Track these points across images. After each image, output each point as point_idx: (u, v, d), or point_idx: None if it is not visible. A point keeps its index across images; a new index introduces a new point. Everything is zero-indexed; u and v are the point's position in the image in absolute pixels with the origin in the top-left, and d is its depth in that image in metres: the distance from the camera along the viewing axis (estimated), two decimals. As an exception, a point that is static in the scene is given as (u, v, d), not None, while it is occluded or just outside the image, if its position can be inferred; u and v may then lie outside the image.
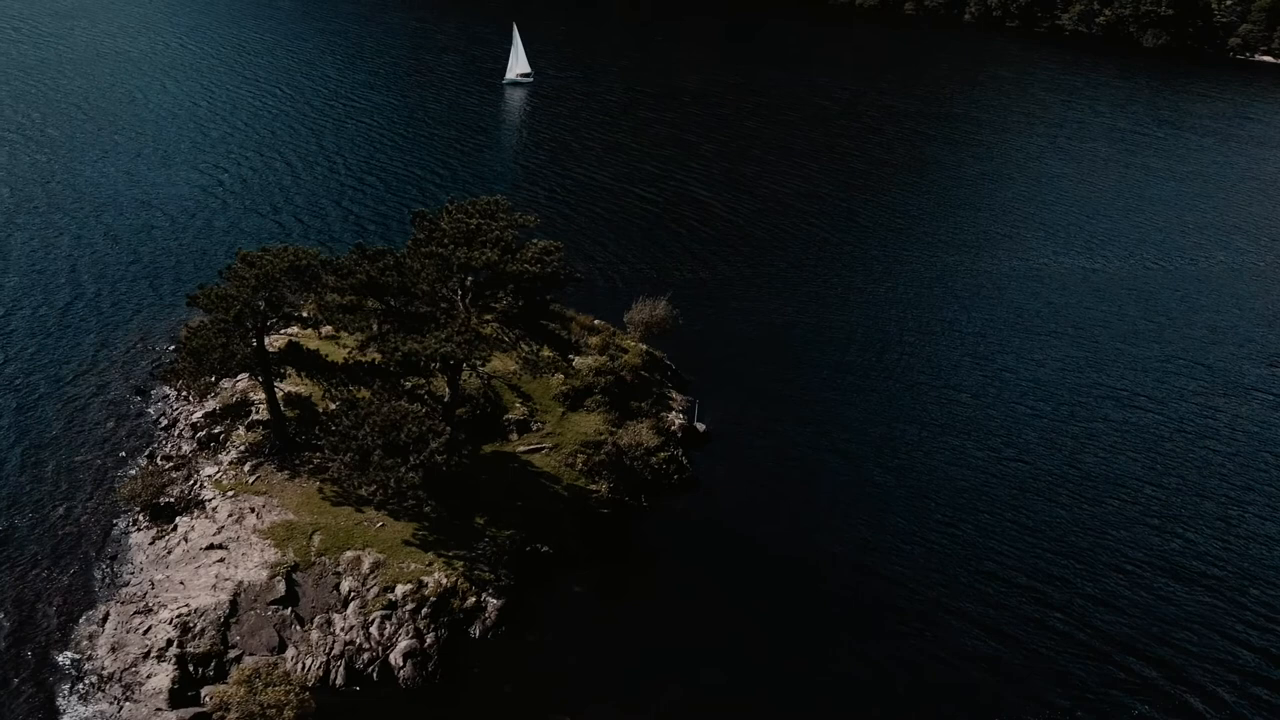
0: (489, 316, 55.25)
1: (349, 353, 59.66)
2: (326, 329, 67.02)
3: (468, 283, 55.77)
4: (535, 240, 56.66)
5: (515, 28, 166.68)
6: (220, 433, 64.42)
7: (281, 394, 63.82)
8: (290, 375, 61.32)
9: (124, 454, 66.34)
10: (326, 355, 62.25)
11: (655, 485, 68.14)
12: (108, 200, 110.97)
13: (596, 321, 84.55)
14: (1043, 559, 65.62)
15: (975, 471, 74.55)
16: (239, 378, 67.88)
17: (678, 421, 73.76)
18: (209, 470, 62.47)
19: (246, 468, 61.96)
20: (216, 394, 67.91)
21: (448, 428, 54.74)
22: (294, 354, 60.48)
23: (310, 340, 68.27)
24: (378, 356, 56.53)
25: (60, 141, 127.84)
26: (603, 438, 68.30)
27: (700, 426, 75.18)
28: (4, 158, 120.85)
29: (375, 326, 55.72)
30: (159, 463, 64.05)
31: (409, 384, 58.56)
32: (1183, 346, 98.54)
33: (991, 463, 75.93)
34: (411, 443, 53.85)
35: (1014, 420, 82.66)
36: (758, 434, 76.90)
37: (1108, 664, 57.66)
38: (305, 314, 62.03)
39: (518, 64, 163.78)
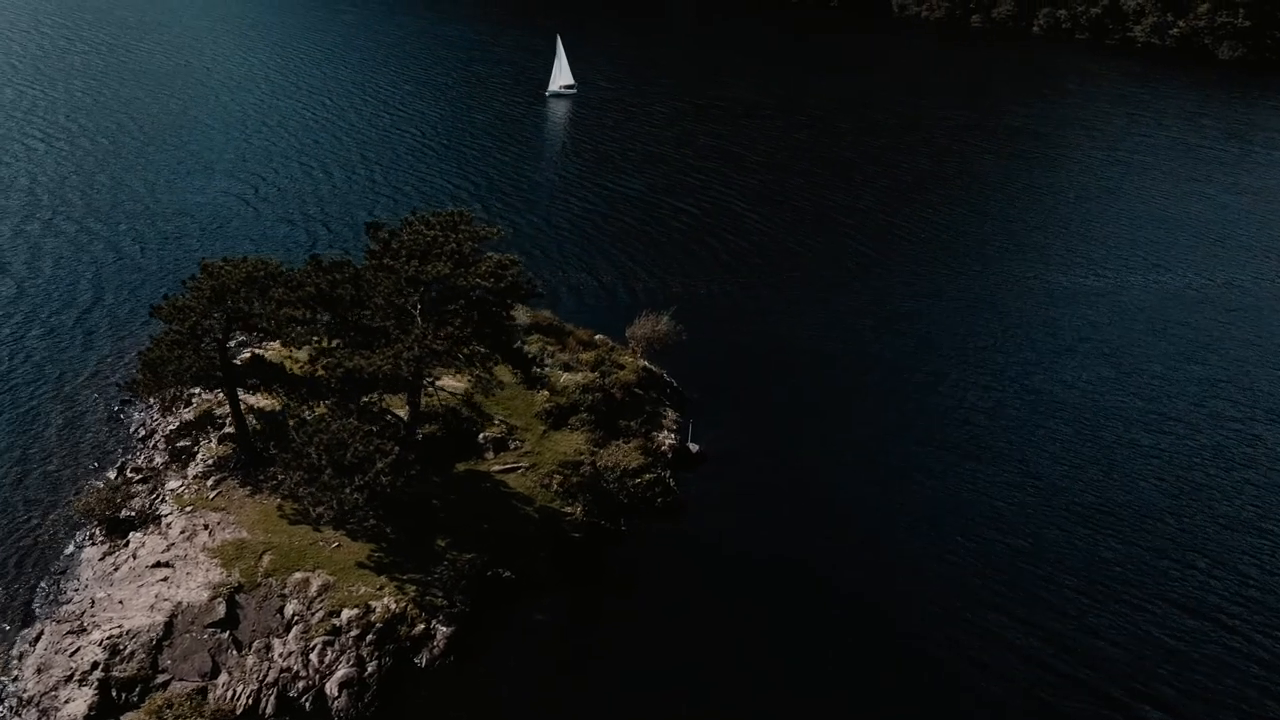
0: (444, 333, 52.07)
1: (301, 367, 57.10)
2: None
3: (421, 298, 52.75)
4: (490, 254, 53.45)
5: (559, 40, 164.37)
6: (190, 446, 62.26)
7: (252, 408, 61.48)
8: (259, 389, 58.89)
9: (97, 465, 64.57)
10: (291, 369, 59.81)
11: (637, 508, 64.53)
12: (142, 208, 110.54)
13: (598, 336, 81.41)
14: (1056, 594, 60.67)
15: (988, 498, 69.63)
16: (217, 390, 65.67)
17: (668, 442, 70.10)
18: (173, 484, 60.36)
19: (209, 482, 59.73)
20: (190, 405, 65.84)
21: (396, 448, 51.74)
22: (258, 367, 58.10)
23: (281, 354, 65.91)
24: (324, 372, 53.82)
25: (107, 150, 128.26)
26: (582, 458, 64.84)
27: (694, 447, 71.44)
28: (50, 165, 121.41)
29: (325, 341, 52.97)
30: (128, 475, 62.14)
31: (364, 400, 55.68)
32: (1227, 371, 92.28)
33: (1005, 489, 70.96)
34: (357, 463, 50.94)
35: (1032, 443, 77.56)
36: (756, 456, 72.82)
37: (1111, 709, 52.77)
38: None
39: (561, 75, 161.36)
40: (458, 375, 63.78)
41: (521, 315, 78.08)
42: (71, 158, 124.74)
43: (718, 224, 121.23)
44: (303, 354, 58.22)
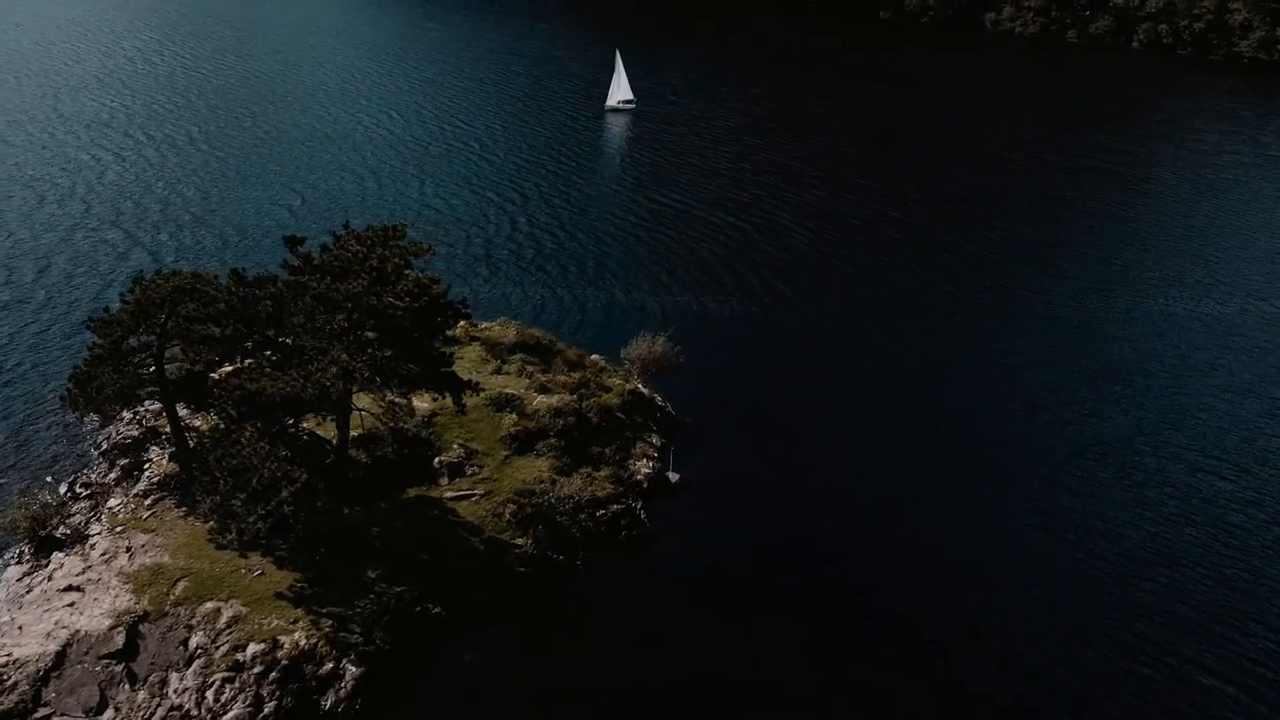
0: (363, 356, 48.05)
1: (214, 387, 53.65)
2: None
3: (347, 318, 48.77)
4: (409, 272, 49.15)
5: (618, 55, 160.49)
6: (138, 462, 59.41)
7: (205, 425, 58.32)
8: (196, 407, 55.68)
9: (51, 479, 62.16)
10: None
11: (598, 541, 59.62)
12: (190, 217, 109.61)
13: (594, 356, 76.80)
14: (1066, 662, 54.12)
15: (990, 548, 62.88)
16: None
17: (644, 470, 65.05)
18: (114, 502, 57.57)
19: (147, 502, 56.74)
20: (137, 421, 63.05)
21: (304, 475, 47.80)
22: (192, 384, 54.84)
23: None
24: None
25: (153, 160, 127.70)
26: (542, 486, 60.16)
27: (673, 476, 66.28)
28: (93, 175, 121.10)
29: (240, 360, 49.39)
30: (76, 490, 59.53)
31: (289, 423, 51.90)
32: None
33: (1015, 533, 64.21)
34: (262, 489, 47.15)
35: (1053, 480, 70.51)
36: (743, 489, 67.20)
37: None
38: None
39: (619, 90, 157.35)
40: (419, 395, 60.16)
41: (509, 333, 74.06)
42: (134, 166, 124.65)
43: (761, 240, 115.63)
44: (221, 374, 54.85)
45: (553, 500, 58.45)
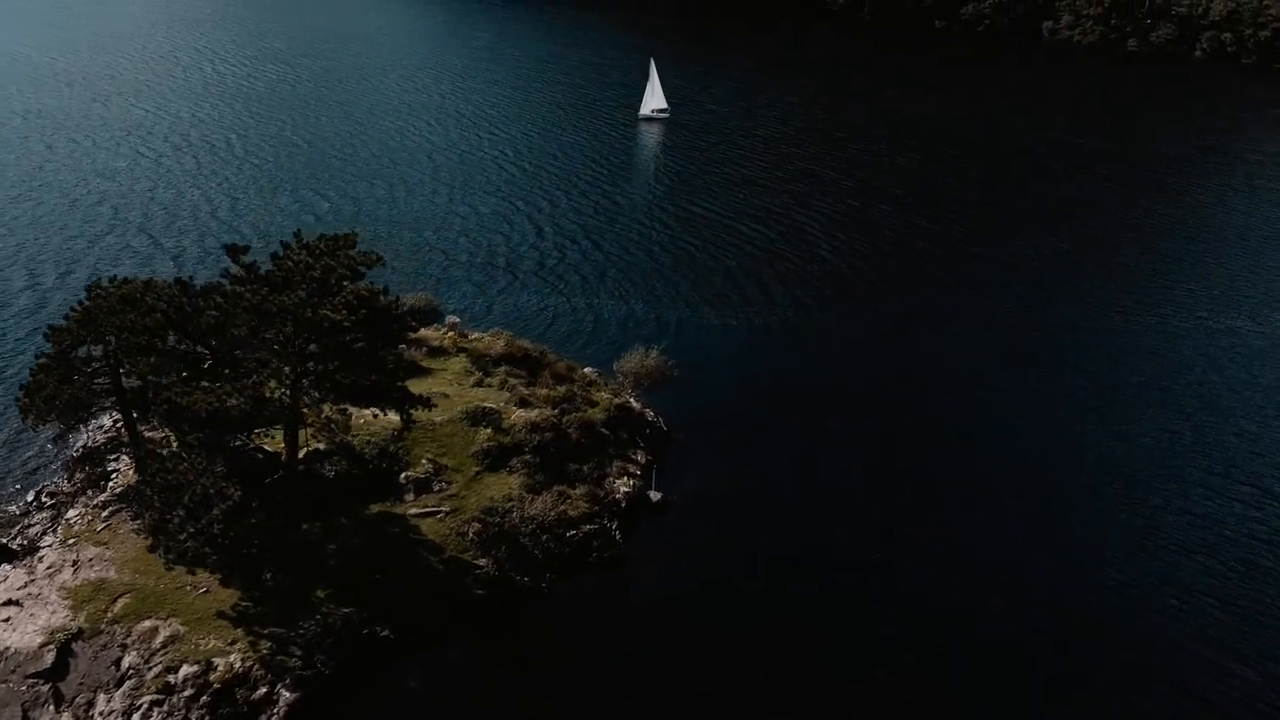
0: (300, 370, 45.62)
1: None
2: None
3: (295, 330, 46.37)
4: (349, 284, 46.54)
5: (653, 63, 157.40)
6: (103, 472, 57.65)
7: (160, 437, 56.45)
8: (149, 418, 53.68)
9: (19, 487, 60.66)
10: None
11: (567, 562, 56.63)
12: (198, 223, 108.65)
13: (587, 369, 73.96)
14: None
15: (995, 589, 58.50)
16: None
17: (623, 489, 61.91)
18: (72, 512, 55.81)
19: (105, 513, 54.85)
20: (103, 431, 61.40)
21: (237, 492, 45.42)
22: (145, 395, 52.82)
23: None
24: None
25: (187, 167, 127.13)
26: (510, 505, 57.34)
27: (654, 495, 63.05)
28: (126, 181, 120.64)
29: (173, 372, 47.15)
30: (43, 499, 57.98)
31: (237, 438, 49.65)
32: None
33: (1027, 574, 59.73)
34: (194, 506, 44.90)
35: (1060, 506, 66.10)
36: (729, 509, 63.84)
37: None
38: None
39: (653, 99, 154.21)
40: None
41: (499, 344, 71.47)
42: (168, 172, 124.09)
43: (786, 250, 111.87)
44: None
45: (515, 520, 55.54)
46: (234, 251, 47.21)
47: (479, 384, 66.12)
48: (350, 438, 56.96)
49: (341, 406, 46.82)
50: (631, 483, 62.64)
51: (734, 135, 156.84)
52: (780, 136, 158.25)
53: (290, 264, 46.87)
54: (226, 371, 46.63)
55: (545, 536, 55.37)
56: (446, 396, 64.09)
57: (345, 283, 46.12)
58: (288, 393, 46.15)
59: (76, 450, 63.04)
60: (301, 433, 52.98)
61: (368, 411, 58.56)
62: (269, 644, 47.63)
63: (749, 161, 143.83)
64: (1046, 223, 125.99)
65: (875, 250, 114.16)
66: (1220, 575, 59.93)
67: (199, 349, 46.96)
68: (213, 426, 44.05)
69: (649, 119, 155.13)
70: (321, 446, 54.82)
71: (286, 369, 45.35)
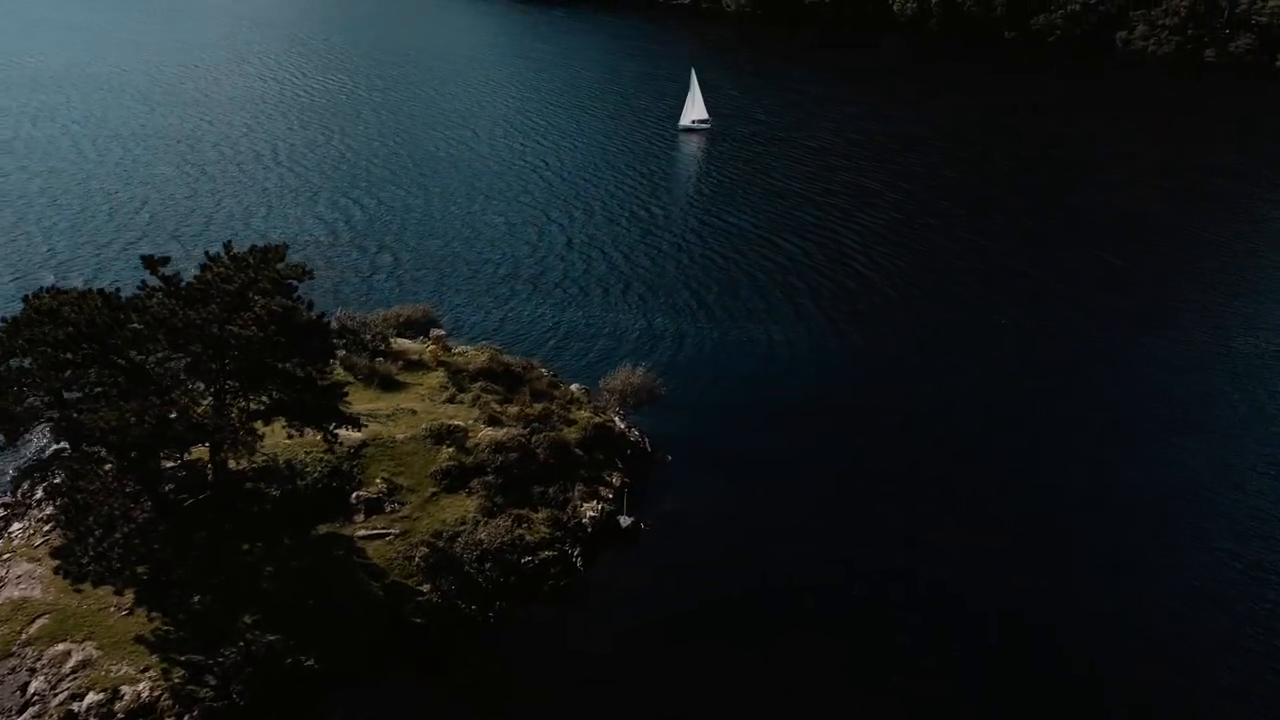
0: (211, 389, 42.74)
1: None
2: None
3: (191, 348, 43.52)
4: (257, 298, 43.40)
5: (693, 73, 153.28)
6: (32, 487, 55.46)
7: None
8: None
9: (-18, 497, 58.93)
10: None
11: (520, 590, 53.04)
12: (230, 230, 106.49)
13: (575, 386, 70.29)
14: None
15: (996, 637, 53.60)
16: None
17: (590, 513, 58.06)
18: (17, 526, 53.72)
19: (46, 528, 52.59)
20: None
21: (142, 514, 42.60)
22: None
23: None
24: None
25: (231, 175, 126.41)
26: (463, 529, 53.90)
27: (625, 520, 59.09)
28: (165, 189, 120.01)
29: (87, 388, 44.54)
30: (-2, 511, 56.05)
31: (159, 456, 46.85)
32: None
33: (1034, 621, 54.64)
34: (98, 527, 42.22)
35: (1066, 545, 60.61)
36: (707, 537, 59.59)
37: None
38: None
39: (694, 109, 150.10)
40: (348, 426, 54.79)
41: (481, 358, 68.18)
42: (207, 180, 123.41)
43: (818, 264, 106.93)
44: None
45: (465, 544, 52.08)
46: (152, 264, 44.49)
47: (451, 400, 62.85)
48: (304, 454, 54.22)
49: (250, 426, 43.68)
50: (600, 507, 58.78)
51: (779, 146, 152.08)
52: (828, 148, 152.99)
53: (209, 277, 44.08)
54: (152, 388, 43.94)
55: (489, 564, 51.76)
56: (414, 413, 61.06)
57: (261, 297, 43.02)
58: (210, 410, 43.22)
59: (24, 462, 61.20)
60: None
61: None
62: (183, 672, 44.84)
63: (791, 173, 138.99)
64: (1098, 237, 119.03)
65: (912, 265, 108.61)
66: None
67: (120, 363, 44.33)
68: (105, 445, 41.35)
69: (689, 129, 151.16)
70: (269, 464, 51.97)
71: (200, 386, 42.48)
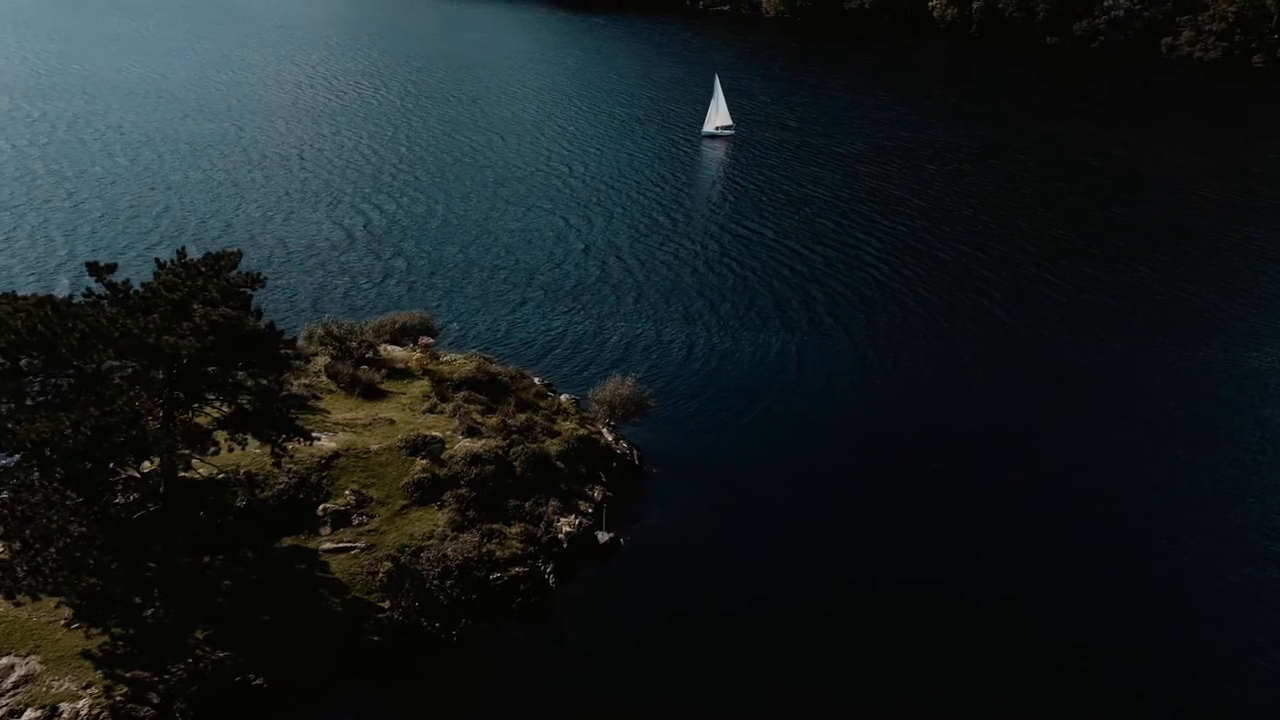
0: (150, 401, 41.06)
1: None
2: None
3: (128, 359, 41.76)
4: (196, 307, 41.52)
5: (716, 79, 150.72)
6: None
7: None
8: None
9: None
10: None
11: (486, 608, 50.91)
12: (242, 238, 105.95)
13: (565, 397, 68.17)
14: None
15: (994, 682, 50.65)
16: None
17: (566, 529, 55.81)
18: (-17, 534, 52.35)
19: (9, 537, 51.24)
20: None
21: (81, 529, 41.01)
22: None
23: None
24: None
25: (255, 182, 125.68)
26: (431, 543, 51.90)
27: (602, 536, 56.75)
28: (190, 195, 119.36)
29: (30, 397, 42.98)
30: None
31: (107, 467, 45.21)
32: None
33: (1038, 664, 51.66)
34: (35, 541, 40.70)
35: (1080, 575, 57.24)
36: (686, 555, 57.05)
37: None
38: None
39: (717, 116, 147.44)
40: (322, 436, 53.23)
41: (469, 366, 66.22)
42: (224, 186, 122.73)
43: (831, 273, 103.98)
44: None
45: (430, 559, 50.07)
46: (97, 270, 42.95)
47: (432, 410, 60.89)
48: (273, 466, 52.56)
49: (174, 440, 41.84)
50: (577, 522, 56.47)
51: (805, 152, 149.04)
52: (855, 154, 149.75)
53: (156, 285, 42.48)
54: (93, 398, 42.36)
55: (450, 580, 49.62)
56: (392, 422, 59.22)
57: (201, 306, 41.20)
58: (152, 421, 41.58)
59: None
60: (212, 459, 48.61)
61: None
62: (126, 689, 43.16)
63: (815, 180, 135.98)
64: (1131, 248, 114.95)
65: (930, 275, 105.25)
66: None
67: (67, 372, 42.85)
68: (38, 457, 39.79)
69: (712, 136, 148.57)
70: (228, 475, 50.29)
71: (145, 396, 40.83)
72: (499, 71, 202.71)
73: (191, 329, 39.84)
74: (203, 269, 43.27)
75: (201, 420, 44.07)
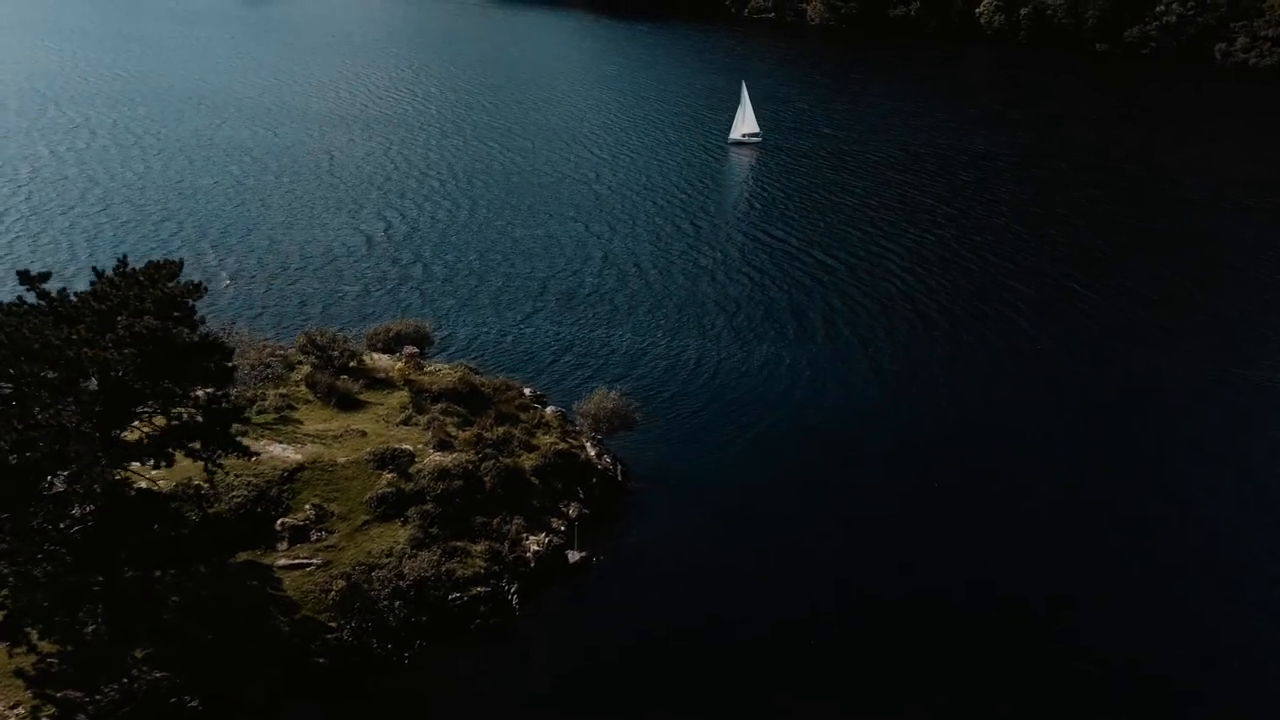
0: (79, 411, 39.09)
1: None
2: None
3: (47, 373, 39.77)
4: (121, 318, 39.39)
5: (744, 86, 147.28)
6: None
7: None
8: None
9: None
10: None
11: (443, 629, 48.48)
12: (254, 243, 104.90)
13: (550, 410, 65.57)
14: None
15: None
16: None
17: (534, 547, 53.22)
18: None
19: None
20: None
21: (3, 544, 39.21)
22: None
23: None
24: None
25: (278, 189, 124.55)
26: (389, 561, 49.59)
27: (573, 556, 54.06)
28: (204, 201, 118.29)
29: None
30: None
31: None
32: None
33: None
34: (-42, 557, 39.03)
35: (1096, 607, 53.58)
36: (662, 577, 54.19)
37: None
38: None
39: (744, 123, 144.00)
40: (289, 448, 51.30)
41: (454, 376, 63.93)
42: (244, 191, 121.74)
43: (852, 283, 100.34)
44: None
45: (384, 577, 47.75)
46: (29, 279, 41.15)
47: (406, 422, 58.61)
48: (234, 477, 50.65)
49: (95, 455, 39.79)
50: (548, 540, 53.83)
51: (836, 160, 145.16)
52: (888, 161, 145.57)
53: (86, 295, 40.65)
54: (14, 410, 40.61)
55: (399, 601, 47.26)
56: (363, 434, 57.08)
57: (126, 317, 39.15)
58: (56, 436, 39.58)
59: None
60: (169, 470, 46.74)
61: (261, 447, 52.18)
62: (55, 709, 41.31)
63: (844, 187, 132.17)
64: (1168, 258, 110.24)
65: (955, 286, 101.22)
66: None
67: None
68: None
69: (739, 143, 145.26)
70: (179, 488, 48.42)
71: (72, 408, 38.96)
72: (537, 78, 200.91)
73: (114, 341, 37.83)
74: (141, 279, 41.29)
75: (130, 437, 42.02)
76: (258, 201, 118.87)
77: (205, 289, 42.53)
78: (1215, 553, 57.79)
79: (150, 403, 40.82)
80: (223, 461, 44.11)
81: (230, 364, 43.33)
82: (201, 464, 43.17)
